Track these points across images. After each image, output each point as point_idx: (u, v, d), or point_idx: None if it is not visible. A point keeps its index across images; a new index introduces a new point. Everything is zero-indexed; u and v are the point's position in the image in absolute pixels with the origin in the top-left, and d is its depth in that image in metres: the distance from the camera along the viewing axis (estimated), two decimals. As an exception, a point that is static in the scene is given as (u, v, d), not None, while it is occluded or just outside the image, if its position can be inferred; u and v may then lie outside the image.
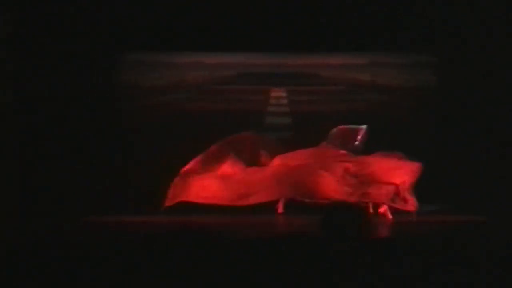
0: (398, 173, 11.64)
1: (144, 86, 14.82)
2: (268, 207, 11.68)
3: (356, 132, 12.68)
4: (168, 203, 11.73)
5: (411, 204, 11.40)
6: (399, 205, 11.35)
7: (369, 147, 13.24)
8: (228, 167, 11.91)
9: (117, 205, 12.30)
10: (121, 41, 13.68)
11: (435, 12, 13.12)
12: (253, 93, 15.24)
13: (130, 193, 13.11)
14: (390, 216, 11.11)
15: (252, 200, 11.42)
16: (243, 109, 14.99)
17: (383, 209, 11.28)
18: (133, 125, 14.38)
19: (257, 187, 11.60)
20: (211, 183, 11.75)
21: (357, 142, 12.49)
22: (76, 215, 10.60)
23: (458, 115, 13.46)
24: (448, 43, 13.50)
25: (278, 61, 15.03)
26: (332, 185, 11.44)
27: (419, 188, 12.34)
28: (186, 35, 13.57)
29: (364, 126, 12.68)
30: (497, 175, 12.38)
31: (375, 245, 2.94)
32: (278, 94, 15.34)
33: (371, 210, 11.19)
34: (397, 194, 11.46)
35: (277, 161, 12.00)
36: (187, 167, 12.24)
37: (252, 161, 12.30)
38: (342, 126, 12.76)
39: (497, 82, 12.88)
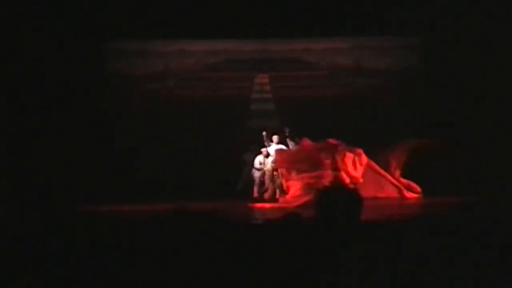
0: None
1: (131, 74, 14.91)
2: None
3: None
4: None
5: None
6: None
7: (355, 131, 13.45)
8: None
9: (111, 194, 12.37)
10: (107, 29, 13.74)
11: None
12: (239, 80, 15.26)
13: (124, 182, 13.23)
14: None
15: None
16: (230, 95, 15.07)
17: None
18: (121, 113, 14.49)
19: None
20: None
21: None
22: (72, 204, 10.60)
23: (442, 97, 13.56)
24: (432, 25, 13.66)
25: (263, 47, 15.11)
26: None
27: (410, 171, 12.73)
28: (171, 23, 13.65)
29: None
30: (485, 155, 12.52)
31: (369, 228, 3.00)
32: (264, 80, 15.34)
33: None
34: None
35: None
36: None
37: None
38: None
39: (482, 63, 12.97)
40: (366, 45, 15.15)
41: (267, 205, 11.98)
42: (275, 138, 12.59)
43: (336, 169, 11.72)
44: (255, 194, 12.52)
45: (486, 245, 2.78)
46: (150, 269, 2.66)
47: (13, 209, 10.63)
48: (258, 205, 12.08)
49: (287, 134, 12.58)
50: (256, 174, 12.60)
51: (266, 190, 12.53)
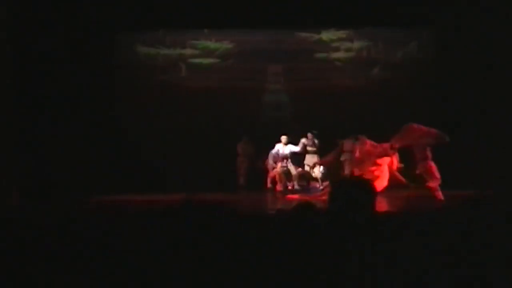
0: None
1: (142, 65, 14.82)
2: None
3: None
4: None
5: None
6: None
7: (368, 123, 13.41)
8: None
9: (121, 184, 12.42)
10: (116, 20, 13.73)
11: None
12: (251, 71, 15.19)
13: (135, 173, 13.29)
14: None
15: None
16: (243, 87, 15.04)
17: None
18: (131, 104, 14.45)
19: None
20: None
21: None
22: (84, 195, 10.65)
23: (455, 90, 13.48)
24: (445, 16, 13.53)
25: (274, 37, 14.98)
26: None
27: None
28: (182, 14, 13.65)
29: None
30: (496, 149, 12.45)
31: (382, 221, 2.98)
32: (275, 70, 15.28)
33: None
34: None
35: None
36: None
37: None
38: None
39: (494, 55, 12.88)
40: (379, 37, 15.01)
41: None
42: (283, 138, 13.23)
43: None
44: (281, 188, 13.13)
45: (496, 240, 2.76)
46: (162, 259, 2.66)
47: (26, 199, 10.72)
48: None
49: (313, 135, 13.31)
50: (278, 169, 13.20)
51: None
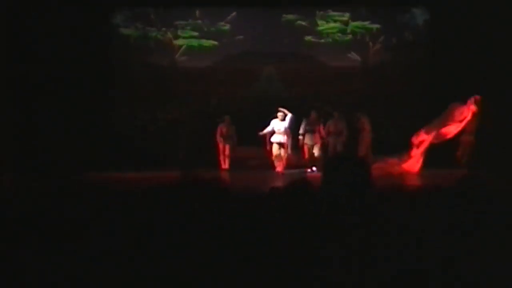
0: None
1: (135, 45, 14.80)
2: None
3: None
4: None
5: None
6: None
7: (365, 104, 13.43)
8: None
9: (112, 162, 12.46)
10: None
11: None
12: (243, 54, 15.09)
13: (127, 151, 13.31)
14: None
15: None
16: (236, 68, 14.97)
17: None
18: (124, 82, 14.48)
19: None
20: None
21: None
22: (76, 171, 10.67)
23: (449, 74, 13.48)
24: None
25: (267, 21, 14.89)
26: None
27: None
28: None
29: None
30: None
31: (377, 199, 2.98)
32: (269, 53, 15.03)
33: None
34: None
35: None
36: None
37: None
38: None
39: (488, 39, 12.85)
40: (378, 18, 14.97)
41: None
42: (280, 115, 13.05)
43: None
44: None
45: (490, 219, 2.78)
46: (160, 237, 2.65)
47: (20, 177, 10.70)
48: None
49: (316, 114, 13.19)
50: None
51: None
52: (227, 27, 14.97)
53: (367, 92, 14.43)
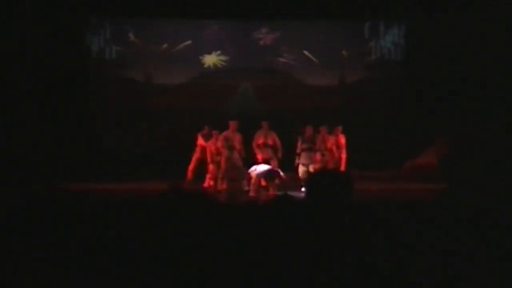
0: None
1: (111, 55, 14.81)
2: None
3: None
4: None
5: None
6: None
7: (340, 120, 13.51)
8: None
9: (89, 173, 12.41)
10: (89, 6, 13.71)
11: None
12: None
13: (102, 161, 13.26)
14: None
15: None
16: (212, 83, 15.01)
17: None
18: (102, 94, 14.45)
19: None
20: None
21: None
22: (51, 182, 10.57)
23: (426, 85, 13.70)
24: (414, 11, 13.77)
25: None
26: None
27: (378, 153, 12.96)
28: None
29: None
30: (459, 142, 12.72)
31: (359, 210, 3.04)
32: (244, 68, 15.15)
33: None
34: None
35: None
36: None
37: None
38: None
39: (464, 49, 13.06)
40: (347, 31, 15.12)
41: None
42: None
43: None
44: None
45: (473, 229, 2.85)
46: (146, 248, 2.65)
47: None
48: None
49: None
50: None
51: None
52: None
53: (343, 109, 14.57)
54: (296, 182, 11.23)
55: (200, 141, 12.59)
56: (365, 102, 14.62)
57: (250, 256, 2.62)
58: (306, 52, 15.05)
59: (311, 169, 11.57)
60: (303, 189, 10.47)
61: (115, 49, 14.75)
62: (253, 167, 11.25)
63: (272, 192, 11.08)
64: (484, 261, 2.62)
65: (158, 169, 12.49)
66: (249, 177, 11.41)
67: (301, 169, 11.76)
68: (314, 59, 15.02)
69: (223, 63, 15.04)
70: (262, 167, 11.15)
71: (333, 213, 2.94)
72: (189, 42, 14.94)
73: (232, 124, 11.87)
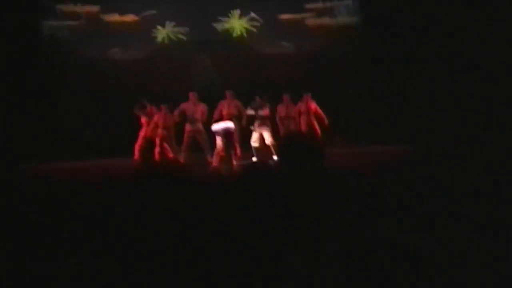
0: None
1: (68, 36, 14.57)
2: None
3: None
4: None
5: None
6: None
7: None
8: None
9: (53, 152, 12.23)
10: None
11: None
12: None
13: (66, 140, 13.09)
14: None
15: None
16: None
17: None
18: (61, 74, 14.21)
19: None
20: None
21: None
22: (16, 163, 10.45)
23: (381, 50, 13.79)
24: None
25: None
26: None
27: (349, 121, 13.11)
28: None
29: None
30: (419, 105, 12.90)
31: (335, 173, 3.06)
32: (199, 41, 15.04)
33: None
34: None
35: None
36: None
37: None
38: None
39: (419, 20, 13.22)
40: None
41: None
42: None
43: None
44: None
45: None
46: (122, 225, 2.62)
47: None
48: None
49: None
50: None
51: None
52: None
53: (302, 78, 14.58)
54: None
55: (143, 119, 12.06)
56: (323, 71, 14.64)
57: (227, 232, 2.60)
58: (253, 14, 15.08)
59: (267, 138, 11.64)
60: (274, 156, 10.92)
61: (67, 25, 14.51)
62: (216, 124, 10.97)
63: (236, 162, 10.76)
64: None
65: (120, 147, 12.35)
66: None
67: (254, 136, 11.79)
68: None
69: (179, 35, 14.91)
70: (222, 124, 10.84)
71: (306, 178, 2.96)
72: (145, 13, 14.75)
73: (192, 95, 11.61)
